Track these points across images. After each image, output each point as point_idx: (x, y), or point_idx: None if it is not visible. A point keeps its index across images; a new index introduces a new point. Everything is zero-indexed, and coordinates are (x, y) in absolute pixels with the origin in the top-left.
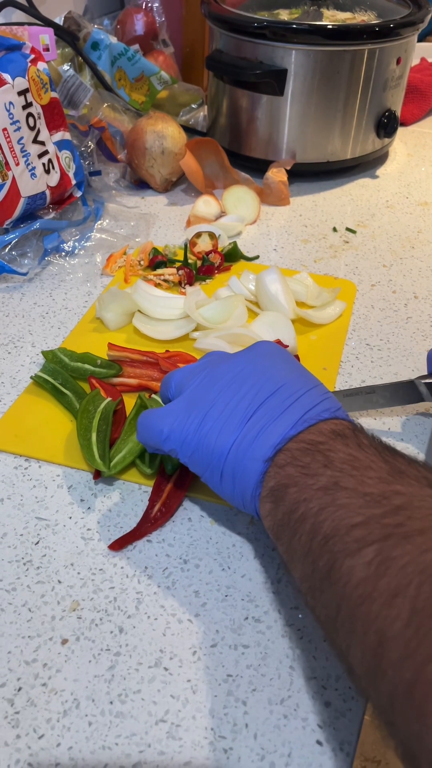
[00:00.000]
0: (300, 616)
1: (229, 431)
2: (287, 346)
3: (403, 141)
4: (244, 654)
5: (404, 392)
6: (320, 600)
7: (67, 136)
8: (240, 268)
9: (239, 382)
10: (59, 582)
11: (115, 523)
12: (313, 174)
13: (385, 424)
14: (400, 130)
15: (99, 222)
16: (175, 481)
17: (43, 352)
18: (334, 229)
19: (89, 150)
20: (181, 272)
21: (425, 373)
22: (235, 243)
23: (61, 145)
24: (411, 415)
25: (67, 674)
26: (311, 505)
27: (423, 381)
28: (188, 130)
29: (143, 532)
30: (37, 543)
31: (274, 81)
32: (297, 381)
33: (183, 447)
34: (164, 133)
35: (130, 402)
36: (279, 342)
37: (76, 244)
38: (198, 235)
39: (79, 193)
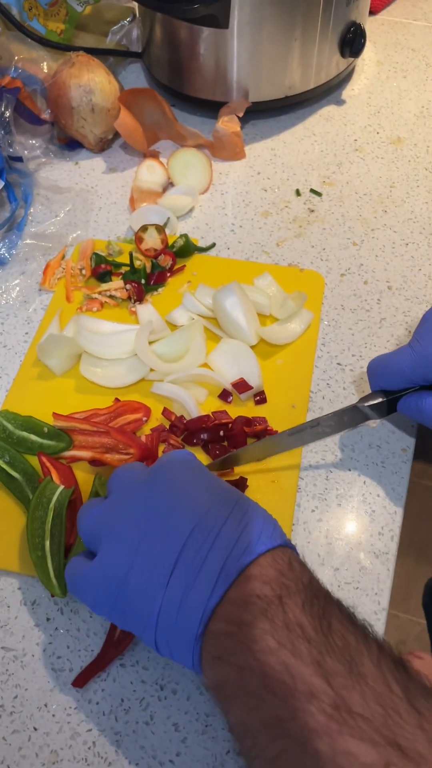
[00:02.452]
0: None
1: (151, 602)
2: (251, 387)
3: (371, 40)
4: None
5: (349, 417)
6: None
7: None
8: (195, 265)
9: (146, 534)
10: (35, 729)
11: (85, 645)
12: (270, 109)
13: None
14: (368, 22)
15: (30, 210)
16: None
17: None
18: (297, 193)
19: (6, 119)
20: (128, 287)
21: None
22: (186, 237)
23: None
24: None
25: None
26: (259, 747)
27: (366, 404)
28: (122, 53)
29: (107, 661)
30: (7, 681)
31: (216, 13)
32: (208, 514)
33: (113, 617)
34: (91, 87)
35: (83, 478)
36: (243, 381)
37: (5, 253)
38: (144, 228)
39: (1, 184)
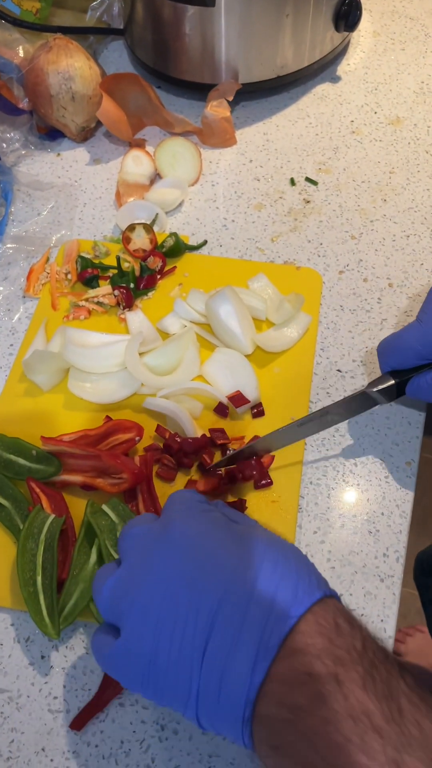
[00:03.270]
0: None
1: (186, 681)
2: (248, 401)
3: (366, 8)
4: None
5: (357, 404)
6: None
7: None
8: (186, 265)
9: (170, 606)
10: None
11: (82, 684)
12: (261, 90)
13: None
14: None
15: (10, 209)
16: None
17: None
18: (292, 182)
19: None
20: (117, 293)
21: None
22: (176, 236)
23: None
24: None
25: None
26: None
27: (375, 389)
28: (102, 31)
29: (105, 701)
30: (2, 725)
31: None
32: (236, 575)
33: (148, 696)
34: (71, 73)
35: (74, 502)
36: (239, 395)
37: None
38: (131, 228)
39: None
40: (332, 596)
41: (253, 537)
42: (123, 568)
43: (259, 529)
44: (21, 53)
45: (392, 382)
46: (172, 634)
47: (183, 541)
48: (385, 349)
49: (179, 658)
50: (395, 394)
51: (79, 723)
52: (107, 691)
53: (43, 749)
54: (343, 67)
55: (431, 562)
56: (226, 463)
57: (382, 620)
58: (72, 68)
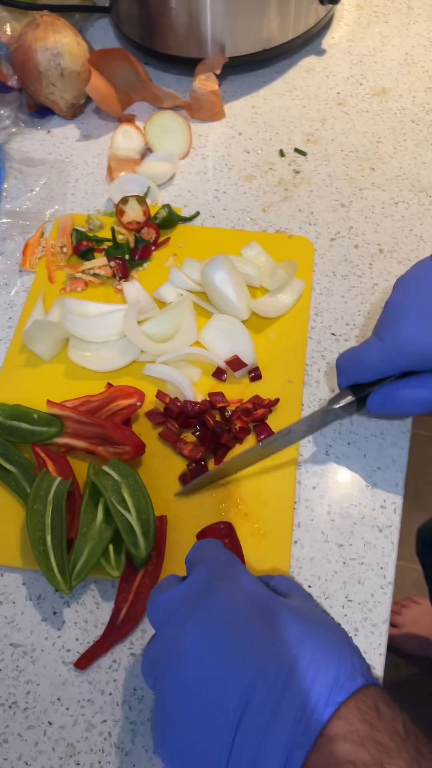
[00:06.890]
0: None
1: (215, 763)
2: (245, 365)
3: None
4: None
5: (321, 420)
6: None
7: None
8: (179, 236)
9: (206, 674)
10: (50, 724)
11: (94, 636)
12: (248, 63)
13: None
14: None
15: (3, 186)
16: (143, 576)
17: None
18: (281, 153)
19: None
20: (113, 264)
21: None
22: (168, 207)
23: None
24: None
25: None
26: None
27: (336, 406)
28: (88, 9)
29: (110, 643)
30: (18, 677)
31: None
32: (275, 650)
33: (176, 765)
34: (59, 50)
35: (77, 466)
36: (236, 359)
37: None
38: (124, 200)
39: None
40: (374, 684)
41: (296, 612)
42: (156, 639)
43: (304, 601)
44: (8, 31)
45: (353, 398)
46: (203, 712)
47: (223, 615)
48: (344, 365)
49: (209, 738)
50: (356, 408)
51: (83, 662)
52: (112, 634)
53: (58, 699)
54: (328, 41)
55: None
56: (194, 489)
57: (381, 567)
58: (60, 44)
